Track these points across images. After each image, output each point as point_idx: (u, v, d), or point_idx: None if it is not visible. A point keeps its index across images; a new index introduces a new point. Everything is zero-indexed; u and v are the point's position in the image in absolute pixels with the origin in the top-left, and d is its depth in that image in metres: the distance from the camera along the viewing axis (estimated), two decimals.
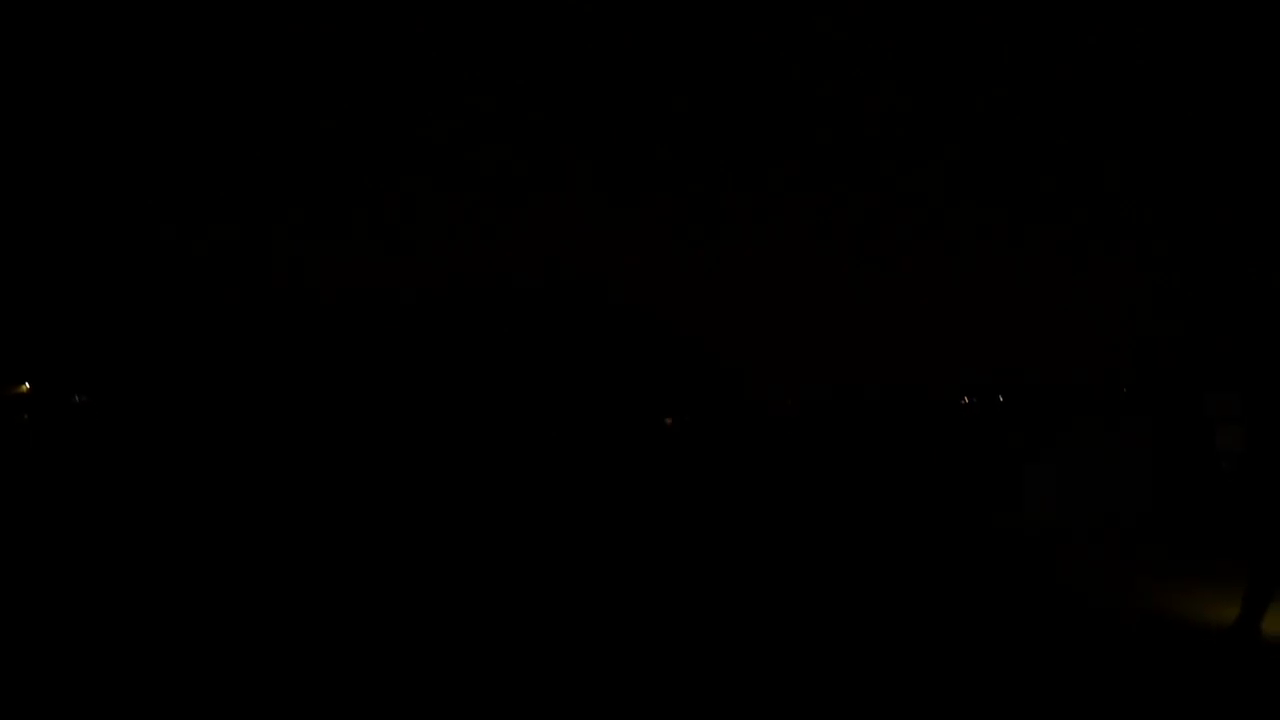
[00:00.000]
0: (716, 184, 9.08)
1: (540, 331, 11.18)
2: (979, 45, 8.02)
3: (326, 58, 8.36)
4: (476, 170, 9.22)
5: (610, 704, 3.30)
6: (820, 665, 3.85)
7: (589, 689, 3.41)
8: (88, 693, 3.41)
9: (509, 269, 11.07)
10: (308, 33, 8.24)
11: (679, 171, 8.60)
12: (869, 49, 7.98)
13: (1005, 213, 8.57)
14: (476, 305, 10.94)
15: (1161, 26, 7.58)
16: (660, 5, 7.89)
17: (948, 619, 4.62)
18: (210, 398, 9.89)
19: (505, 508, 7.46)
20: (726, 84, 8.06)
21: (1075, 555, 6.31)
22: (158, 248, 10.41)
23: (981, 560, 6.05)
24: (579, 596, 4.75)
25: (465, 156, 9.25)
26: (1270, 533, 4.93)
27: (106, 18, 7.87)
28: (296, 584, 5.05)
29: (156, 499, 7.73)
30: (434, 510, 7.41)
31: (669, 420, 11.41)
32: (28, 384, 10.04)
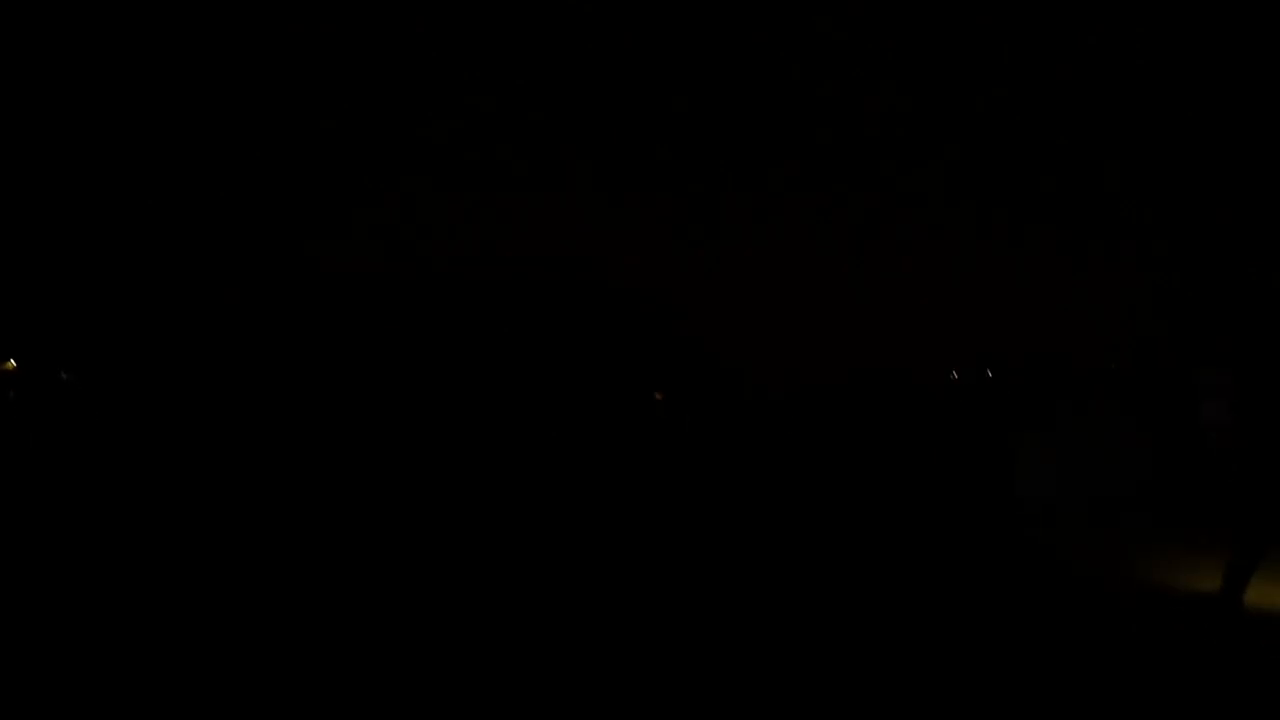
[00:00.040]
0: (716, 184, 9.07)
1: (528, 307, 11.27)
2: (979, 45, 8.02)
3: (326, 58, 8.35)
4: (476, 170, 9.20)
5: (600, 699, 3.31)
6: (812, 639, 3.88)
7: (578, 683, 3.42)
8: (76, 685, 3.41)
9: (506, 265, 11.12)
10: (308, 33, 8.23)
11: (679, 171, 8.59)
12: (869, 49, 7.98)
13: (1006, 213, 8.56)
14: (468, 290, 11.01)
15: (1161, 26, 7.60)
16: (660, 5, 7.88)
17: (940, 596, 4.66)
18: (203, 379, 9.91)
19: (496, 491, 7.52)
20: (726, 84, 8.06)
21: (1065, 529, 6.38)
22: (156, 243, 10.44)
23: (973, 535, 6.11)
24: (569, 583, 4.76)
25: (465, 156, 9.25)
26: (1253, 505, 5.00)
27: (106, 16, 7.88)
28: (288, 569, 5.06)
29: (148, 482, 7.72)
30: (428, 492, 7.46)
31: (658, 395, 11.42)
32: (13, 361, 10.01)
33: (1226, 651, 4.08)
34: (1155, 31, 7.50)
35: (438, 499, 7.31)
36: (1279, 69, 7.15)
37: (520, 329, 11.31)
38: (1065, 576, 5.17)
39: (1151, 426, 8.11)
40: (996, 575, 5.06)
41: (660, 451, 9.63)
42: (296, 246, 10.57)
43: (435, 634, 4.00)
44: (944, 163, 8.37)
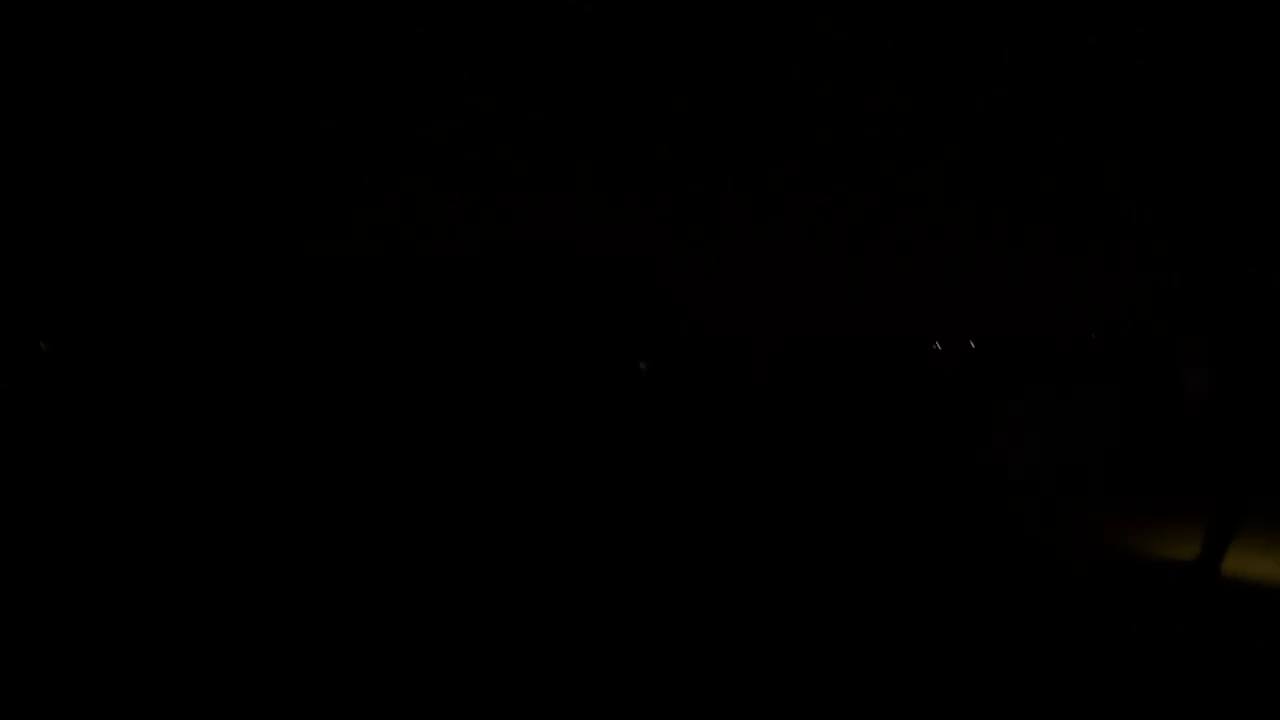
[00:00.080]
0: (716, 184, 9.04)
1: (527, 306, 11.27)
2: (979, 45, 7.99)
3: (326, 57, 8.32)
4: (476, 170, 9.16)
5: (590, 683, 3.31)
6: (792, 603, 3.90)
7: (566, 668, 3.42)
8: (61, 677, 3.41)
9: (506, 265, 11.13)
10: (308, 32, 8.21)
11: (679, 171, 8.56)
12: (869, 49, 7.94)
13: (1006, 213, 8.54)
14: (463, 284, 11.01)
15: (1161, 26, 7.59)
16: (660, 5, 7.86)
17: (912, 571, 4.68)
18: (203, 379, 9.91)
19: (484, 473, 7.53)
20: (726, 84, 8.02)
21: (1044, 497, 6.39)
22: (155, 243, 10.44)
23: (948, 509, 6.12)
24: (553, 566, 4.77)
25: (465, 156, 9.21)
26: (1230, 473, 5.06)
27: (105, 14, 7.85)
28: (287, 562, 5.06)
29: (132, 462, 7.71)
30: (426, 485, 7.46)
31: (643, 365, 11.38)
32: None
33: (1203, 620, 4.10)
34: (1155, 31, 7.50)
35: (436, 492, 7.32)
36: (1279, 69, 7.15)
37: (519, 326, 11.31)
38: (1042, 545, 5.19)
39: (1132, 396, 8.15)
40: (973, 543, 5.08)
41: (647, 425, 9.60)
42: (296, 246, 10.57)
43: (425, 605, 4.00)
44: (944, 163, 8.36)
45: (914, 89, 7.28)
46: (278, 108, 8.25)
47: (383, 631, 3.95)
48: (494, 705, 3.18)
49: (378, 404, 9.89)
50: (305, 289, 10.59)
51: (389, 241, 10.61)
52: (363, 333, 10.92)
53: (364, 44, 7.42)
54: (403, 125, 8.21)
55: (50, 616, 4.21)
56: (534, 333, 11.29)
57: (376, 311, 11.00)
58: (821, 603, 4.07)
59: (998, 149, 7.67)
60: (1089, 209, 7.73)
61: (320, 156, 8.98)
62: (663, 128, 7.76)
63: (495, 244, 10.77)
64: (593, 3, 6.87)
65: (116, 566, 5.18)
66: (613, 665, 3.54)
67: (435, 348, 10.96)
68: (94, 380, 9.90)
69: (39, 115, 8.45)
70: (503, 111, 7.81)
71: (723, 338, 10.25)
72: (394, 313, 11.04)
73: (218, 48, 7.88)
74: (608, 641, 3.76)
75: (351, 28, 7.26)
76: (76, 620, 4.13)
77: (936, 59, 7.10)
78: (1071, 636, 3.74)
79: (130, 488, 7.53)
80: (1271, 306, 6.10)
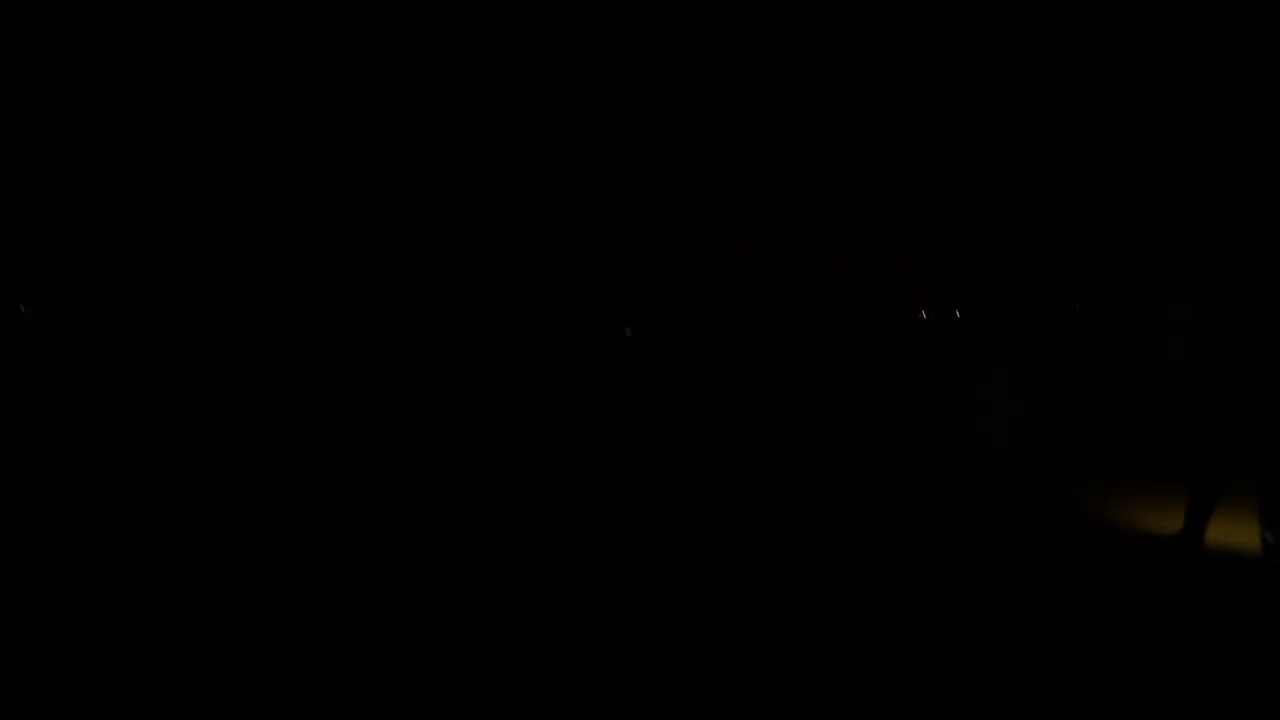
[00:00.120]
0: (716, 184, 9.06)
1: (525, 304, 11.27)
2: (979, 45, 8.01)
3: (326, 57, 8.33)
4: (476, 170, 9.19)
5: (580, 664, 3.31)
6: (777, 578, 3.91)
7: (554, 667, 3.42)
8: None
9: (505, 264, 11.14)
10: (308, 32, 8.23)
11: (679, 171, 8.58)
12: (869, 49, 7.97)
13: (1005, 212, 8.57)
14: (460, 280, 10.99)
15: (1161, 26, 7.60)
16: (660, 5, 7.88)
17: (895, 544, 4.69)
18: (202, 379, 9.90)
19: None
20: (726, 84, 8.04)
21: (1028, 467, 6.42)
22: (155, 244, 10.44)
23: (932, 481, 6.15)
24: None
25: (465, 156, 9.24)
26: (1214, 443, 5.07)
27: (105, 13, 7.87)
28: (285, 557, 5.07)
29: (131, 461, 7.70)
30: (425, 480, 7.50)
31: (627, 331, 11.28)
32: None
33: (1187, 591, 4.13)
34: (1155, 31, 7.51)
35: (434, 488, 7.32)
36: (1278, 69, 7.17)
37: (517, 325, 11.31)
38: (1025, 515, 5.22)
39: (1116, 366, 8.19)
40: (955, 513, 5.10)
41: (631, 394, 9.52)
42: (296, 246, 10.57)
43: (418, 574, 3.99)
44: (944, 163, 8.38)
45: (914, 89, 7.29)
46: (279, 108, 8.26)
47: (375, 622, 3.96)
48: (488, 700, 3.19)
49: (375, 402, 9.90)
50: (305, 288, 10.58)
51: (389, 241, 10.61)
52: (361, 332, 10.92)
53: (364, 44, 7.42)
54: (403, 125, 8.21)
55: (47, 612, 4.22)
56: (532, 331, 11.30)
57: (376, 311, 11.00)
58: (816, 576, 4.10)
59: (998, 149, 7.69)
60: (1085, 202, 7.74)
61: (320, 157, 8.99)
62: (663, 128, 7.76)
63: (495, 244, 10.77)
64: (593, 3, 6.88)
65: (114, 562, 5.19)
66: (611, 647, 3.55)
67: (434, 348, 10.96)
68: (95, 380, 9.90)
69: (41, 116, 8.45)
70: (503, 111, 7.81)
71: (720, 327, 10.19)
72: (393, 312, 11.04)
73: (219, 48, 7.87)
74: (609, 622, 3.78)
75: (352, 28, 7.26)
76: (71, 616, 4.15)
77: (936, 59, 7.11)
78: (1055, 608, 3.76)
79: (129, 485, 7.52)
80: (1256, 278, 6.14)
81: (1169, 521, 5.05)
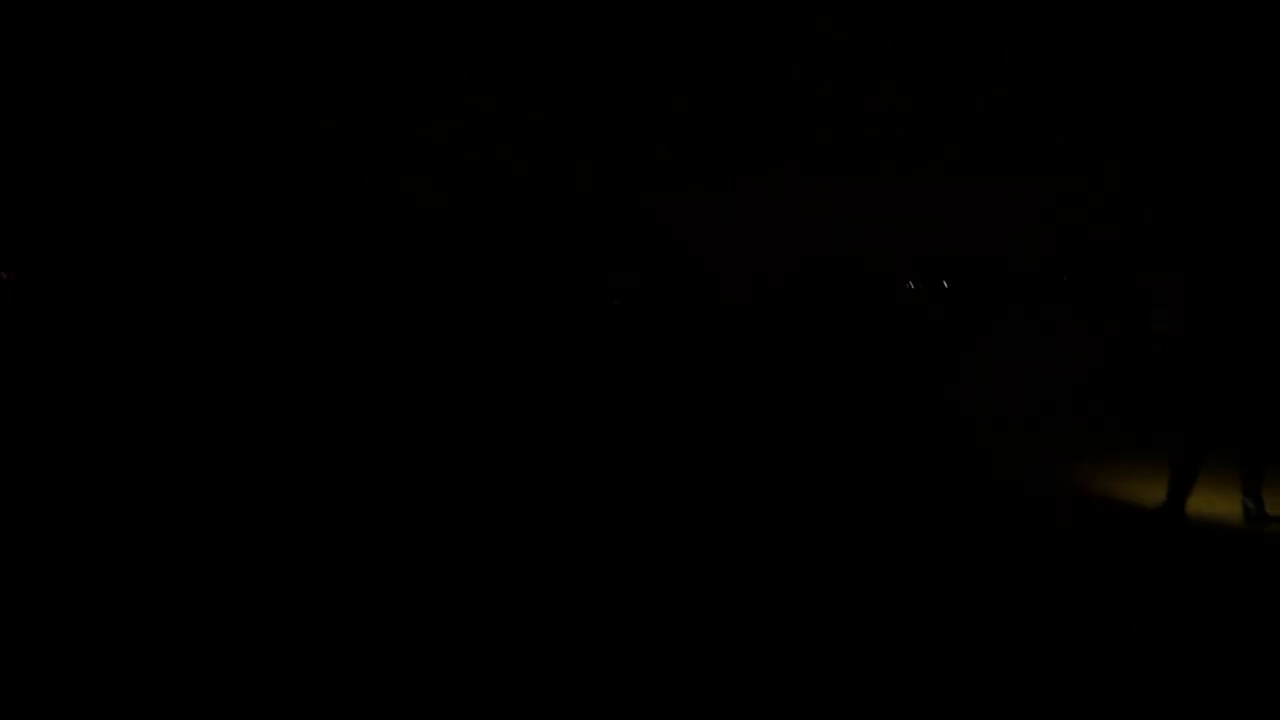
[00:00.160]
0: (716, 184, 9.02)
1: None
2: (979, 45, 8.00)
3: (327, 57, 8.31)
4: (476, 170, 9.15)
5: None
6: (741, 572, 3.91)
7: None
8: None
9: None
10: (308, 32, 8.20)
11: (679, 171, 8.55)
12: (869, 49, 7.95)
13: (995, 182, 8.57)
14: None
15: (1161, 26, 7.60)
16: (660, 5, 7.85)
17: (877, 509, 4.72)
18: (190, 356, 9.88)
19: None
20: (726, 84, 8.02)
21: (1011, 437, 6.44)
22: (153, 244, 10.43)
23: (915, 447, 6.17)
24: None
25: (465, 156, 9.20)
26: (1195, 414, 5.12)
27: (104, 13, 7.83)
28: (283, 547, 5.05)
29: (97, 408, 7.65)
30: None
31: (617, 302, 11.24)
32: None
33: (1168, 560, 4.17)
34: (1155, 31, 7.51)
35: (425, 483, 7.32)
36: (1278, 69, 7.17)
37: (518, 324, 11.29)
38: (1006, 485, 5.26)
39: (1100, 336, 8.22)
40: (938, 481, 5.14)
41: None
42: (296, 245, 10.56)
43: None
44: (944, 163, 8.37)
45: (914, 89, 7.29)
46: (277, 108, 8.24)
47: (361, 596, 3.95)
48: (483, 696, 3.18)
49: (372, 399, 9.89)
50: (305, 288, 10.57)
51: (389, 239, 10.60)
52: (361, 331, 10.91)
53: (364, 44, 7.40)
54: (403, 125, 8.20)
55: (44, 608, 4.21)
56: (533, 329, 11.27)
57: (375, 310, 10.99)
58: (803, 543, 4.11)
59: (998, 149, 7.68)
60: (1079, 174, 7.73)
61: (320, 156, 8.97)
62: (663, 128, 7.75)
63: (495, 243, 10.75)
64: (593, 3, 6.86)
65: (113, 559, 5.18)
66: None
67: (434, 347, 10.95)
68: (93, 383, 9.88)
69: (35, 117, 8.43)
70: (503, 111, 7.80)
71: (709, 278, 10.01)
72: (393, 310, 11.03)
73: (215, 47, 7.86)
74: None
75: (351, 27, 7.24)
76: (67, 611, 4.13)
77: (936, 59, 7.10)
78: (1036, 578, 3.78)
79: (129, 483, 7.52)
80: (1239, 247, 6.15)
81: (1152, 491, 5.10)
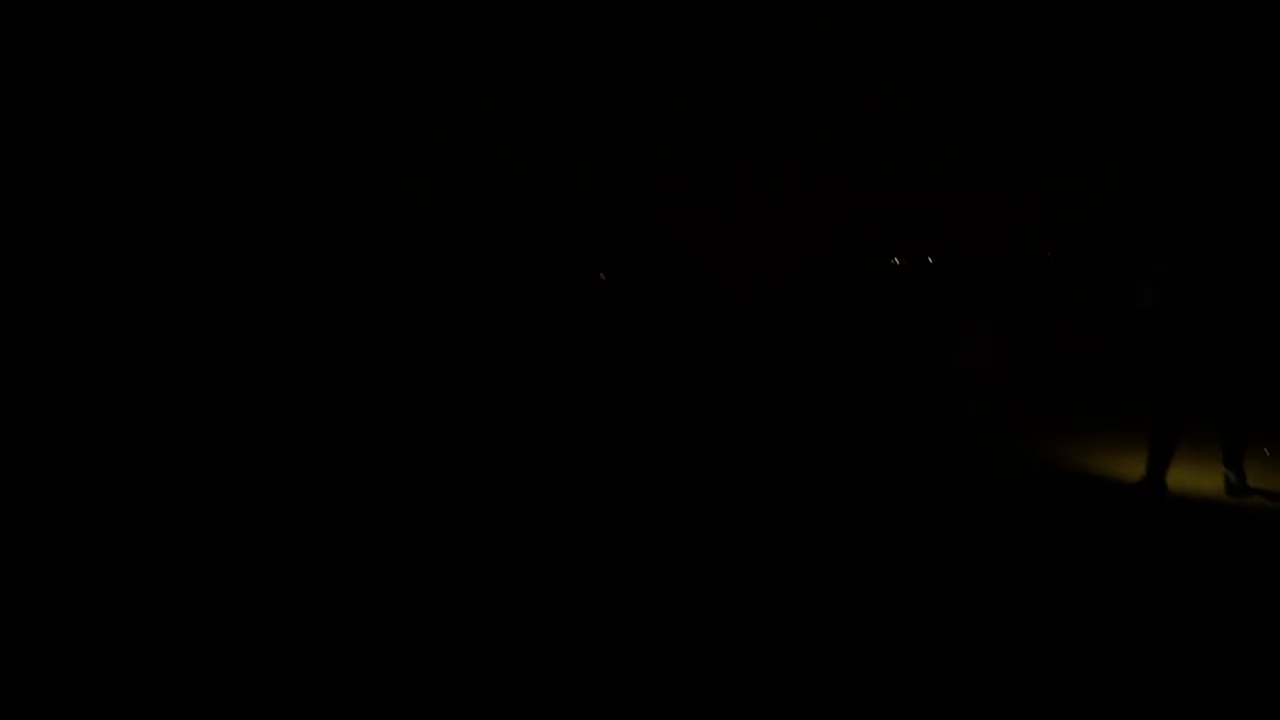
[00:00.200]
0: (716, 184, 9.03)
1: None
2: (979, 45, 8.00)
3: (326, 58, 8.31)
4: (476, 170, 9.16)
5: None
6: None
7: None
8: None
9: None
10: (308, 32, 8.20)
11: (679, 171, 8.55)
12: (869, 49, 7.95)
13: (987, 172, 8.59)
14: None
15: (1161, 26, 7.61)
16: (660, 5, 7.86)
17: (877, 508, 4.74)
18: (187, 357, 9.88)
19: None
20: (726, 84, 8.03)
21: (997, 413, 6.49)
22: (153, 245, 10.43)
23: (901, 424, 6.21)
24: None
25: (465, 156, 9.21)
26: (1174, 389, 5.16)
27: (104, 13, 7.84)
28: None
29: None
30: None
31: (602, 276, 11.20)
32: None
33: (1147, 536, 4.19)
34: (1155, 31, 7.51)
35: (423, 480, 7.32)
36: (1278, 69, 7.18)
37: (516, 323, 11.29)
38: (992, 463, 5.30)
39: (1086, 314, 8.26)
40: (924, 458, 5.17)
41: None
42: (296, 245, 10.55)
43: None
44: (944, 163, 8.37)
45: (914, 89, 7.29)
46: (277, 108, 8.24)
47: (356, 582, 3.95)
48: (483, 696, 3.18)
49: (371, 398, 9.88)
50: (305, 288, 10.57)
51: (388, 239, 10.60)
52: (361, 331, 10.90)
53: (364, 44, 7.41)
54: (403, 125, 8.20)
55: (41, 605, 4.21)
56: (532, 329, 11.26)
57: (375, 309, 10.99)
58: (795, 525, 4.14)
59: (998, 149, 7.68)
60: (1067, 160, 7.74)
61: (320, 156, 8.97)
62: (663, 128, 7.76)
63: (495, 243, 10.75)
64: (593, 3, 6.86)
65: (113, 559, 5.18)
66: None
67: (434, 347, 10.95)
68: (93, 382, 9.87)
69: (35, 117, 8.43)
70: (503, 111, 7.80)
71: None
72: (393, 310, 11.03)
73: (215, 47, 7.86)
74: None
75: (351, 27, 7.24)
76: (63, 608, 4.14)
77: (936, 59, 7.11)
78: (1019, 555, 3.80)
79: (129, 483, 7.52)
80: (1223, 229, 6.18)
81: (1133, 467, 5.13)
